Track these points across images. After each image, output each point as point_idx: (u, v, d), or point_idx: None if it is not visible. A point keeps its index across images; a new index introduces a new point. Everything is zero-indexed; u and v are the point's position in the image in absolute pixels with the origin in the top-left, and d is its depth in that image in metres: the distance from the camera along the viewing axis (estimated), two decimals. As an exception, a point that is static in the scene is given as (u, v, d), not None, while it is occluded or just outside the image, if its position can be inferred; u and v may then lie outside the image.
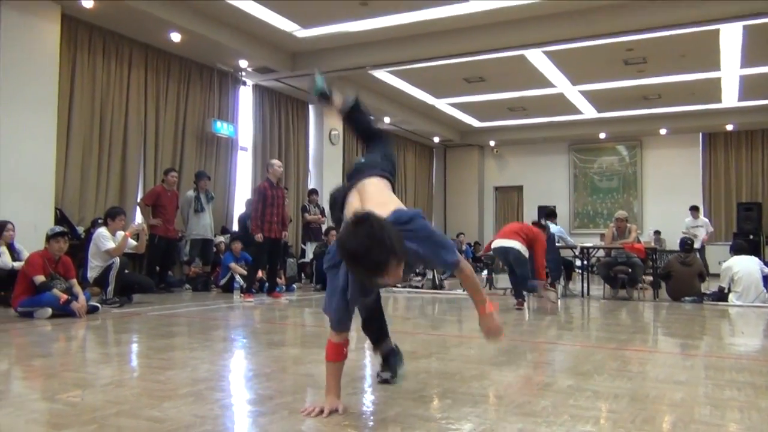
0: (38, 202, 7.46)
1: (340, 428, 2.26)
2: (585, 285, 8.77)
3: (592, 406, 2.61)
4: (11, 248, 6.61)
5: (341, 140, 13.70)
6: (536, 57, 10.71)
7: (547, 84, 12.35)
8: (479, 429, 2.27)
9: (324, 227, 10.67)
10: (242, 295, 7.96)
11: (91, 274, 6.68)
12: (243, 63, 10.34)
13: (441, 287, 9.73)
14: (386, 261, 2.17)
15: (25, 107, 7.36)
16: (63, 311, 5.55)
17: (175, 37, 8.99)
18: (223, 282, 8.73)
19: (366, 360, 3.85)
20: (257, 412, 2.49)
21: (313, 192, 11.25)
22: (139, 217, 8.79)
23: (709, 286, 8.53)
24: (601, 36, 9.21)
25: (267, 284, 8.22)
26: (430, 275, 10.39)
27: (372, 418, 2.45)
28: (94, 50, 8.63)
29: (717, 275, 8.57)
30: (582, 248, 9.14)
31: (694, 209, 13.40)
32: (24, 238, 6.79)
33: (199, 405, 2.56)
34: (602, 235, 10.47)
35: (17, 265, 6.27)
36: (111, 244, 6.69)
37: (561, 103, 13.87)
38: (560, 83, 12.35)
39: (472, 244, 16.73)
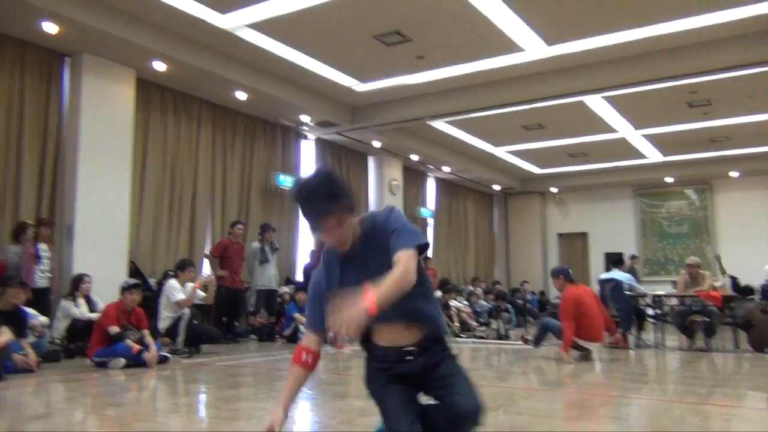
0: (114, 255, 7.79)
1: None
2: (659, 335, 8.40)
3: (674, 465, 2.47)
4: (88, 300, 6.91)
5: (401, 190, 13.83)
6: (596, 102, 10.63)
7: (609, 129, 12.19)
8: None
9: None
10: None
11: (162, 324, 6.87)
12: (305, 118, 10.67)
13: (506, 338, 9.52)
14: (333, 200, 2.20)
15: (103, 165, 7.79)
16: (135, 361, 5.72)
17: (241, 95, 9.39)
18: (287, 332, 8.80)
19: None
20: (325, 465, 2.47)
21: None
22: (207, 269, 9.03)
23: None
24: (663, 79, 9.07)
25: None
26: (494, 325, 10.20)
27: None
28: (165, 110, 9.10)
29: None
30: (654, 296, 8.80)
31: None
32: (100, 290, 7.08)
33: (267, 457, 2.55)
34: (674, 283, 10.07)
35: (94, 316, 6.53)
36: (181, 296, 6.89)
37: (624, 148, 13.62)
38: (622, 128, 12.16)
39: (537, 293, 16.34)
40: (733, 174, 15.21)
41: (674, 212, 16.49)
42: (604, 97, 10.36)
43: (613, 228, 16.97)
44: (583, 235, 17.77)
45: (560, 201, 18.11)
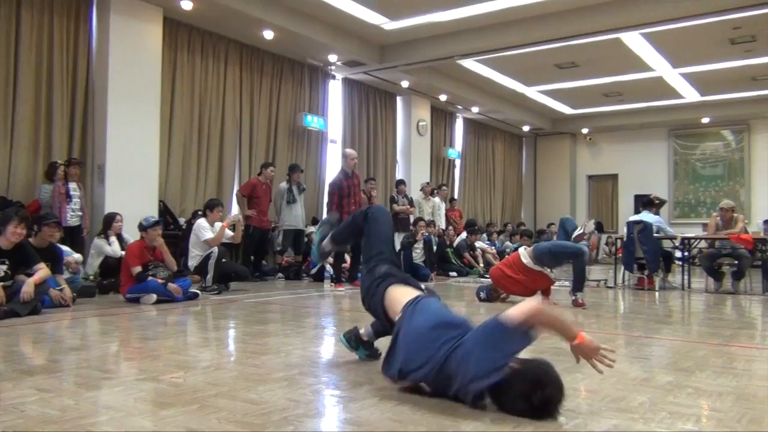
0: (144, 194, 7.94)
1: (430, 415, 2.28)
2: (686, 277, 8.34)
3: (693, 404, 2.49)
4: (120, 238, 7.08)
5: (429, 131, 13.69)
6: (633, 39, 10.25)
7: (645, 68, 11.80)
8: (571, 423, 2.21)
9: (412, 218, 10.70)
10: (332, 284, 8.11)
11: (192, 262, 7.03)
12: (332, 57, 10.52)
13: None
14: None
15: (132, 106, 7.84)
16: (166, 296, 5.89)
17: (268, 34, 9.27)
18: (314, 271, 8.95)
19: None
20: (348, 398, 2.54)
21: (401, 183, 11.30)
22: (235, 209, 9.16)
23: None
24: (705, 15, 8.67)
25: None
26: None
27: (462, 406, 2.44)
28: (192, 50, 9.05)
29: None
30: (683, 239, 8.70)
31: None
32: (131, 228, 7.23)
33: (292, 389, 2.64)
34: (704, 225, 9.93)
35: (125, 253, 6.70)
36: (210, 234, 7.02)
37: (660, 87, 13.21)
38: (659, 66, 11.76)
39: (564, 235, 16.29)
40: (774, 114, 14.70)
41: (709, 154, 16.09)
42: (642, 34, 9.98)
43: (644, 170, 16.66)
44: (614, 177, 17.50)
45: (591, 142, 17.77)
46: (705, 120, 15.47)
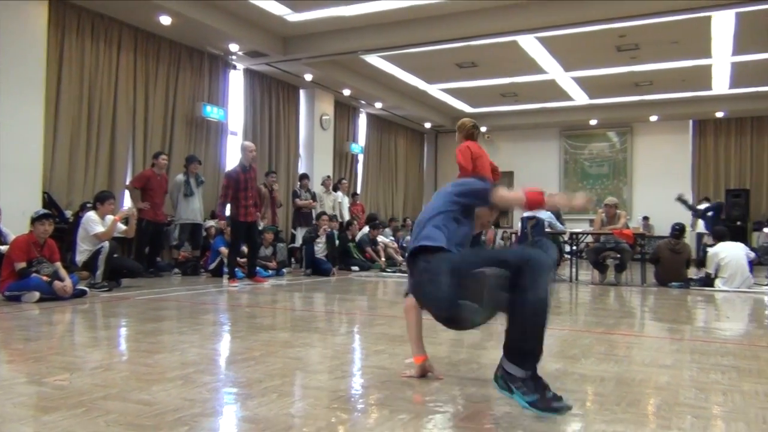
0: (26, 185, 7.41)
1: (329, 411, 2.27)
2: (574, 270, 8.82)
3: (578, 389, 2.63)
4: (-2, 232, 6.57)
5: (332, 125, 13.66)
6: (529, 43, 10.68)
7: (540, 70, 12.33)
8: (467, 412, 2.28)
9: (315, 212, 10.64)
10: (228, 280, 7.90)
11: (80, 258, 6.65)
12: (233, 47, 10.25)
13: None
14: None
15: (12, 91, 7.28)
16: (51, 295, 5.53)
17: (165, 20, 8.89)
18: (212, 266, 8.70)
19: (355, 344, 3.87)
20: (246, 395, 2.49)
21: (304, 177, 11.21)
22: (128, 201, 8.74)
23: (695, 272, 8.60)
24: (594, 22, 9.18)
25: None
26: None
27: (360, 401, 2.47)
28: (82, 33, 8.53)
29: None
30: (571, 234, 9.18)
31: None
32: (11, 222, 6.74)
33: (188, 388, 2.56)
34: (591, 221, 10.53)
35: (3, 248, 6.22)
36: (100, 228, 6.66)
37: (553, 89, 13.86)
38: (552, 69, 12.33)
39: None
40: (653, 118, 15.81)
41: (596, 154, 17.09)
42: (537, 38, 10.42)
43: (538, 168, 17.44)
44: (510, 174, 18.17)
45: (489, 140, 18.36)
46: (593, 122, 16.40)
